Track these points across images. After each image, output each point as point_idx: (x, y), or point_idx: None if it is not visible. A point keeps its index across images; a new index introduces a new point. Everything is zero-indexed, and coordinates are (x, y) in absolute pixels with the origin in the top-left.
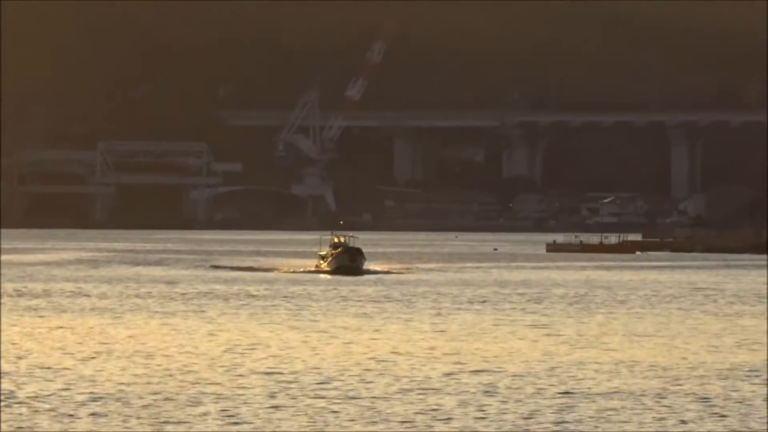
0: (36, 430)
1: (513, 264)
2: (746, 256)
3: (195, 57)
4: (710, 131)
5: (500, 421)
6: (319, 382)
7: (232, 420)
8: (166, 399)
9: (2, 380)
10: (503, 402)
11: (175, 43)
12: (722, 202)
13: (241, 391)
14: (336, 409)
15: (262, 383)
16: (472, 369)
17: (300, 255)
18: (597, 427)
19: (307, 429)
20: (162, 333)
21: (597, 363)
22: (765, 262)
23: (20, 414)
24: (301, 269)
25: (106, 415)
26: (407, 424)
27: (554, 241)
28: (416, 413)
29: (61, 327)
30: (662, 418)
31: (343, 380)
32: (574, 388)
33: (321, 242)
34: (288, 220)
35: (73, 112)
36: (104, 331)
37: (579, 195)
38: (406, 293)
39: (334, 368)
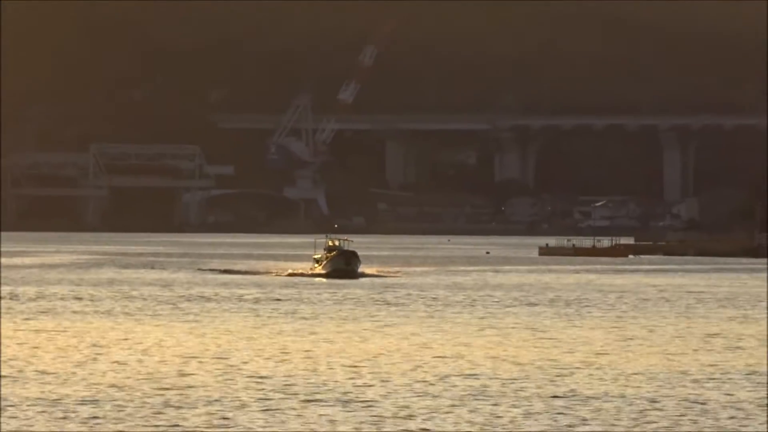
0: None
1: (506, 267)
2: (739, 259)
3: (188, 60)
4: (703, 134)
5: (492, 424)
6: (313, 384)
7: (226, 423)
8: (160, 402)
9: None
10: (495, 405)
11: (167, 45)
12: (715, 206)
13: (234, 395)
14: (329, 413)
15: (255, 386)
16: (463, 373)
17: (294, 258)
18: (590, 431)
19: (300, 430)
20: (154, 336)
21: (589, 366)
22: (757, 266)
23: (14, 417)
24: (296, 272)
25: (103, 417)
26: (400, 428)
27: (547, 244)
28: (407, 417)
29: (54, 330)
30: (654, 422)
31: (336, 382)
32: (566, 392)
33: (315, 245)
34: (280, 223)
35: (67, 113)
36: (96, 334)
37: (571, 198)
38: (399, 296)
39: (327, 371)
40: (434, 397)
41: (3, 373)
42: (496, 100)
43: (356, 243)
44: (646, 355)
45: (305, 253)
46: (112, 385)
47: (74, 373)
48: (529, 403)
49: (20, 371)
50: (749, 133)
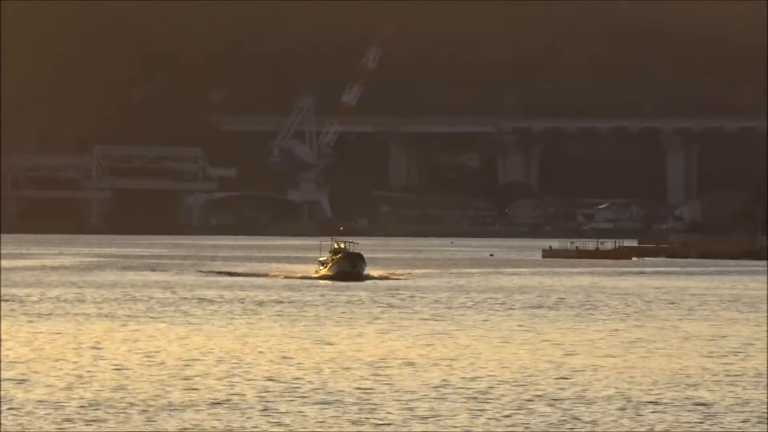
0: None
1: (509, 269)
2: (742, 261)
3: (188, 60)
4: (705, 137)
5: (496, 427)
6: (315, 387)
7: (229, 425)
8: (161, 404)
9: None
10: (499, 408)
11: (168, 46)
12: (718, 208)
13: (237, 397)
14: (332, 414)
15: (257, 389)
16: (467, 375)
17: (299, 261)
18: None
19: None
20: (157, 338)
21: (593, 369)
22: (759, 268)
23: (14, 418)
24: (300, 275)
25: (104, 421)
26: (404, 429)
27: (550, 246)
28: (410, 419)
29: (56, 332)
30: (658, 423)
31: (338, 384)
32: (569, 395)
33: (321, 248)
34: (284, 225)
35: (67, 114)
36: (99, 336)
37: (575, 201)
38: (403, 298)
39: (329, 373)
40: (438, 399)
41: (4, 376)
42: (499, 102)
43: (358, 245)
44: (650, 357)
45: (309, 255)
46: (114, 388)
47: (76, 375)
48: (533, 406)
49: (22, 373)
50: (750, 135)
